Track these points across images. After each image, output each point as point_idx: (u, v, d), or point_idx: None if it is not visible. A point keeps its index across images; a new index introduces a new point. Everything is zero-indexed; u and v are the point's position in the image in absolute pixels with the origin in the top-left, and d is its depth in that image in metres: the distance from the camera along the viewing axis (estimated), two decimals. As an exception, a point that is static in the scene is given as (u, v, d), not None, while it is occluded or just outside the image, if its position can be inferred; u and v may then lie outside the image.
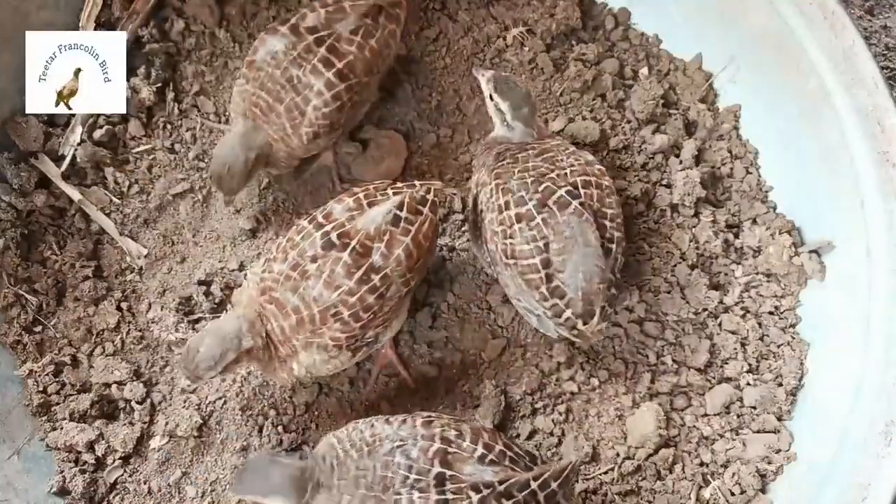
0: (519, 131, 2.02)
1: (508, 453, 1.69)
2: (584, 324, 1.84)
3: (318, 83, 1.97)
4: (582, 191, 1.88)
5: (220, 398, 2.10)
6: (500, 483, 1.61)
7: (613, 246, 1.88)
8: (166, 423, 2.08)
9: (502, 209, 1.88)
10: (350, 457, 1.69)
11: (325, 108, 1.99)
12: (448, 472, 1.62)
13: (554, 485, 1.64)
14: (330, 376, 2.04)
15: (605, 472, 2.03)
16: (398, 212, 1.83)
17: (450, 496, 1.60)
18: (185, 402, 2.10)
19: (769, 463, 2.03)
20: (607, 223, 1.88)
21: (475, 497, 1.60)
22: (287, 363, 1.86)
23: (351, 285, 1.77)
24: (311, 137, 2.02)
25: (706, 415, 2.08)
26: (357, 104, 2.09)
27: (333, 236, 1.80)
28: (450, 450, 1.64)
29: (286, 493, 1.67)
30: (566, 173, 1.90)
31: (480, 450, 1.66)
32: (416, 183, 1.93)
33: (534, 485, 1.62)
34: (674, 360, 2.12)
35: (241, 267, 2.21)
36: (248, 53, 2.06)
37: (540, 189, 1.86)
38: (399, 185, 1.92)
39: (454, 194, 2.18)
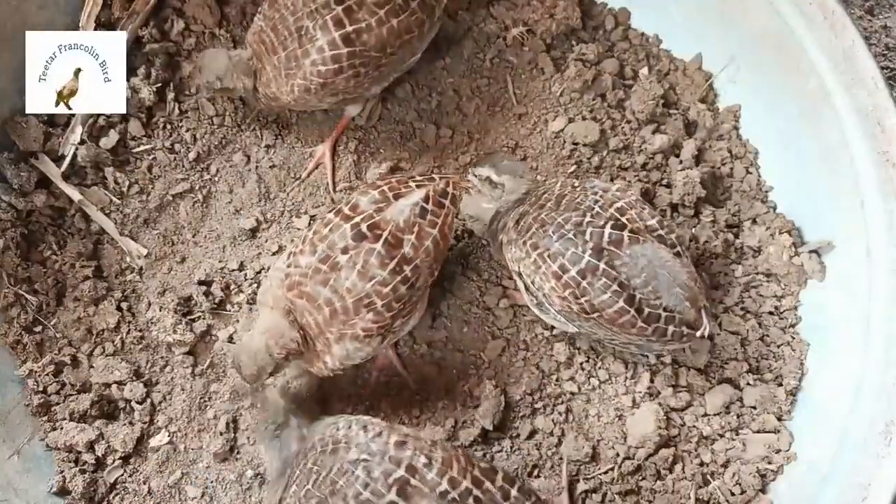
0: (510, 185, 2.01)
1: (475, 491, 1.64)
2: (691, 327, 1.84)
3: (322, 39, 1.97)
4: (624, 219, 1.85)
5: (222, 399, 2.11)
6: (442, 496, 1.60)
7: (679, 247, 1.88)
8: (167, 424, 2.08)
9: (560, 275, 1.84)
10: (315, 449, 1.70)
11: (321, 66, 1.99)
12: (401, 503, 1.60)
13: None
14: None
15: (605, 472, 2.03)
16: (424, 204, 1.85)
17: None
18: (184, 401, 2.10)
19: (769, 463, 2.03)
20: (662, 232, 1.87)
21: None
22: (321, 356, 1.87)
23: (385, 275, 1.78)
24: (302, 91, 2.03)
25: (706, 415, 2.08)
26: (361, 76, 2.05)
27: (364, 227, 1.81)
28: (412, 482, 1.62)
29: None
30: (597, 210, 1.86)
31: (444, 485, 1.63)
32: (435, 176, 1.95)
33: None
34: (674, 361, 2.12)
35: (241, 267, 2.21)
36: None
37: (587, 237, 1.83)
38: (419, 178, 1.94)
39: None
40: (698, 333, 1.84)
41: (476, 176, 2.07)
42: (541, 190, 1.97)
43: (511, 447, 2.05)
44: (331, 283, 1.78)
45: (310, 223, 2.19)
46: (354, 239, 1.80)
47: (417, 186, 1.89)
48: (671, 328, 1.83)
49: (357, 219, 1.82)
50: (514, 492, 1.67)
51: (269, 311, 1.85)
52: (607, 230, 1.82)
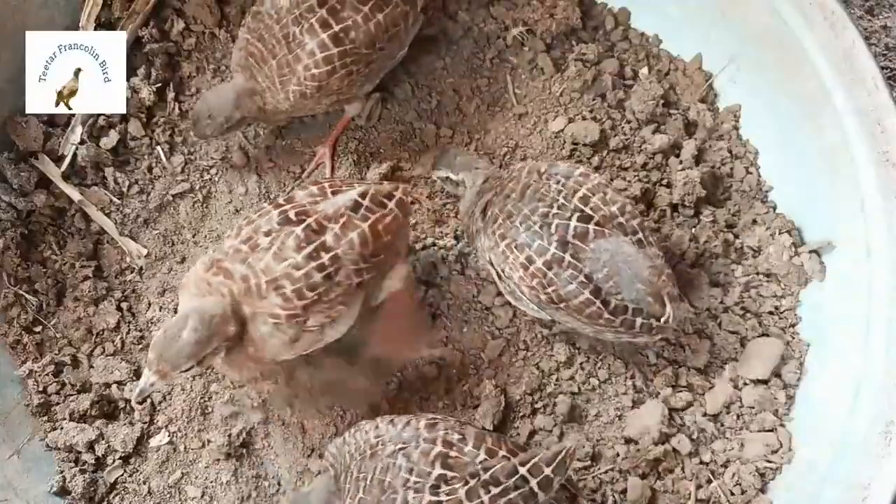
0: (468, 179, 2.02)
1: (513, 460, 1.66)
2: (658, 319, 1.85)
3: (311, 43, 1.97)
4: (588, 209, 1.85)
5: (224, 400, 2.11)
6: (485, 470, 1.60)
7: (640, 234, 1.87)
8: (167, 424, 2.08)
9: (527, 266, 1.85)
10: (354, 459, 1.69)
11: (314, 70, 1.98)
12: (449, 474, 1.61)
13: (547, 470, 1.61)
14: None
15: (605, 472, 2.03)
16: (359, 199, 1.81)
17: (443, 497, 1.59)
18: (184, 401, 2.10)
19: (769, 463, 2.03)
20: (623, 220, 1.87)
21: (462, 490, 1.59)
22: (245, 347, 1.78)
23: (298, 259, 1.73)
24: (298, 96, 2.02)
25: (706, 415, 2.09)
26: (354, 74, 2.05)
27: (291, 213, 1.77)
28: (451, 454, 1.63)
29: None
30: (562, 201, 1.86)
31: (482, 455, 1.64)
32: (385, 182, 1.94)
33: (522, 470, 1.60)
34: (674, 360, 2.12)
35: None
36: (256, 4, 2.06)
37: (553, 229, 1.83)
38: (369, 181, 1.93)
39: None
40: (662, 320, 1.85)
41: (437, 179, 2.09)
42: (505, 177, 1.97)
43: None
44: (248, 261, 1.74)
45: None
46: (279, 224, 1.76)
47: (359, 185, 1.87)
48: (639, 321, 1.85)
49: (287, 206, 1.79)
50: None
51: (188, 293, 1.78)
52: (573, 223, 1.83)
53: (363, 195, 1.82)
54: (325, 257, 1.74)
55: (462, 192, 2.06)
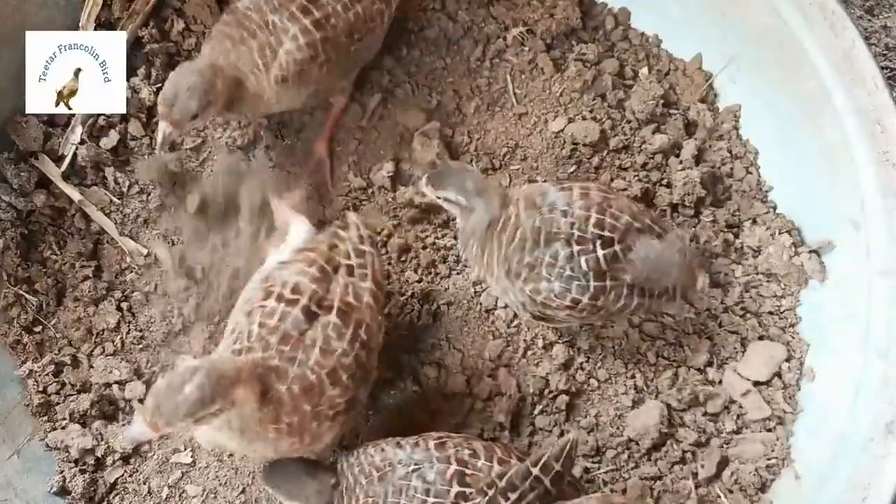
0: (480, 207, 1.87)
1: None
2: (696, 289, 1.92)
3: (293, 28, 1.96)
4: (607, 232, 1.81)
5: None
6: (500, 477, 1.60)
7: (656, 227, 1.87)
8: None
9: (574, 306, 1.81)
10: (359, 483, 1.67)
11: (297, 54, 1.96)
12: (467, 491, 1.60)
13: (556, 466, 1.61)
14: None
15: (606, 472, 2.03)
16: (346, 261, 1.79)
17: None
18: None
19: (769, 463, 2.03)
20: (638, 225, 1.84)
21: (483, 502, 1.59)
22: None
23: (345, 346, 1.71)
24: (280, 80, 1.99)
25: (706, 414, 2.09)
26: (332, 63, 2.03)
27: (313, 307, 1.72)
28: (467, 472, 1.63)
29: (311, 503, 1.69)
30: (578, 234, 1.79)
31: (496, 467, 1.64)
32: (342, 233, 1.86)
33: (535, 471, 1.60)
34: (674, 360, 2.12)
35: (241, 267, 2.21)
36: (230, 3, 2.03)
37: (584, 266, 1.78)
38: (337, 237, 1.85)
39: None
40: (698, 287, 1.91)
41: (438, 199, 1.92)
42: (506, 221, 1.86)
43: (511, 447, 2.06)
44: (296, 364, 1.67)
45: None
46: (309, 321, 1.70)
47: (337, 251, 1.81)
48: (677, 294, 1.90)
49: (304, 300, 1.71)
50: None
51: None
52: (600, 253, 1.80)
53: (346, 256, 1.79)
54: (363, 333, 1.75)
55: (466, 217, 1.91)
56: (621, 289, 1.82)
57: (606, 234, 1.81)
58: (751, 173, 2.28)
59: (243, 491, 2.05)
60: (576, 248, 1.80)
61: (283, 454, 1.75)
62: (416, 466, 1.64)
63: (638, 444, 2.03)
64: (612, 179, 2.22)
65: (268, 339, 1.66)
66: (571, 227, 1.81)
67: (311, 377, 1.66)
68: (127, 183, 2.25)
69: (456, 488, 1.61)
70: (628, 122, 2.28)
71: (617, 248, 1.81)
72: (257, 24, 1.97)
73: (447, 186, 1.90)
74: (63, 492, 2.03)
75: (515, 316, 2.14)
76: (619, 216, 1.84)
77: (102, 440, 2.06)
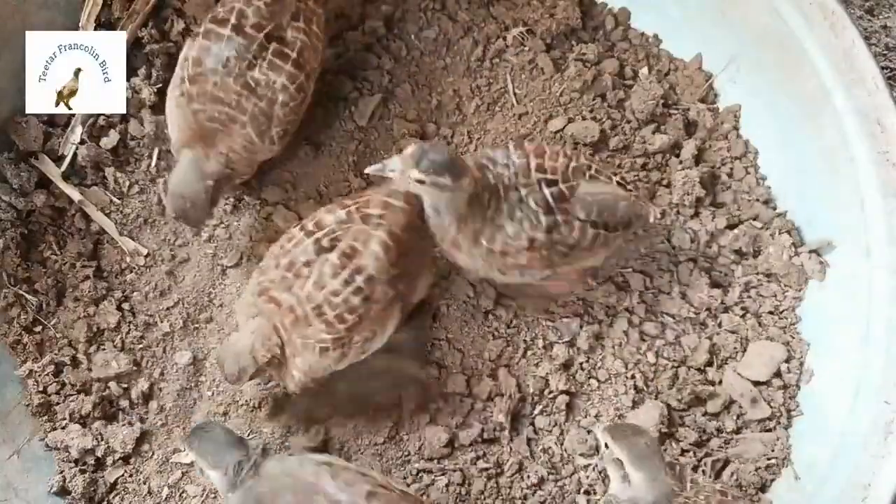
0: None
1: None
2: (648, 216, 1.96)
3: (279, 79, 1.91)
4: (549, 174, 1.86)
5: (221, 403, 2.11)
6: None
7: (594, 166, 1.94)
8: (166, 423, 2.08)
9: (531, 244, 1.86)
10: (281, 496, 1.68)
11: (291, 103, 1.95)
12: None
13: None
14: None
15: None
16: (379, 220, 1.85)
17: None
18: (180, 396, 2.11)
19: (769, 463, 2.03)
20: (576, 164, 1.90)
21: None
22: (289, 368, 1.87)
23: (336, 285, 1.79)
24: (281, 135, 1.98)
25: (706, 414, 2.09)
26: (307, 96, 2.02)
27: (325, 241, 1.82)
28: None
29: (228, 473, 1.70)
30: (523, 180, 1.86)
31: None
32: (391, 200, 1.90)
33: None
34: (674, 360, 2.12)
35: (241, 267, 2.21)
36: (187, 67, 1.92)
37: (533, 205, 1.84)
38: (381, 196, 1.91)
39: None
40: (651, 220, 1.96)
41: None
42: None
43: (511, 447, 2.05)
44: (293, 288, 1.80)
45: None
46: (316, 253, 1.81)
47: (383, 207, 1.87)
48: (635, 226, 1.98)
49: (319, 234, 1.83)
50: None
51: (250, 319, 1.86)
52: (546, 191, 1.86)
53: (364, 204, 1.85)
54: (360, 280, 1.80)
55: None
56: (573, 221, 1.87)
57: (549, 176, 1.87)
58: (750, 173, 2.28)
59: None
60: (523, 191, 1.86)
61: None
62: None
63: (638, 444, 2.03)
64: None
65: (279, 260, 1.83)
66: (516, 176, 1.87)
67: (298, 310, 1.79)
68: (127, 183, 2.25)
69: None
70: (628, 122, 2.28)
71: (562, 186, 1.87)
72: (236, 93, 1.89)
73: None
74: (63, 492, 2.02)
75: (515, 316, 2.14)
76: (556, 157, 1.90)
77: (102, 440, 2.06)
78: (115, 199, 2.24)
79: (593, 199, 1.88)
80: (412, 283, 1.93)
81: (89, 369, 2.11)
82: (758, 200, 2.25)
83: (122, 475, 2.06)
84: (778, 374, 2.11)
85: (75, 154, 2.22)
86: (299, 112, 2.01)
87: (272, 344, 1.82)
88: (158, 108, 2.27)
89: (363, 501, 1.65)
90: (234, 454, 1.70)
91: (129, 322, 2.17)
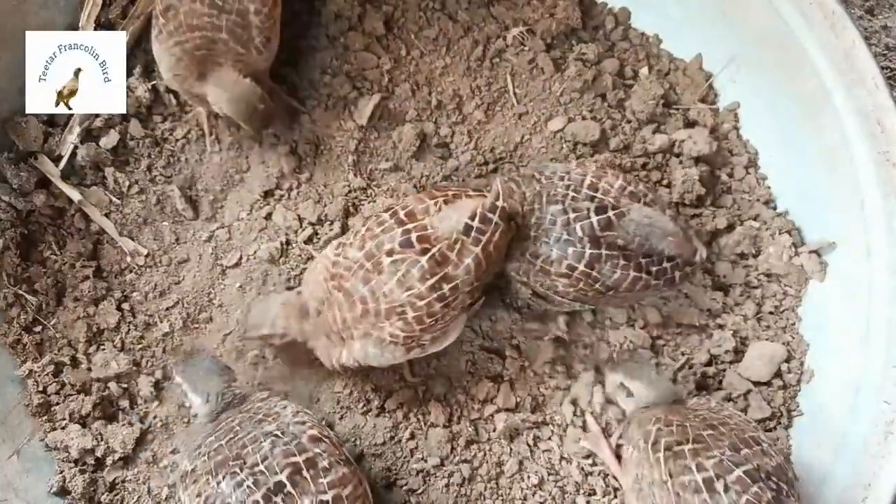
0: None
1: None
2: (692, 262, 1.92)
3: (252, 4, 1.97)
4: (600, 195, 1.87)
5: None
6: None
7: (650, 195, 1.93)
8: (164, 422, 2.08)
9: (570, 273, 1.86)
10: (246, 412, 1.74)
11: (264, 9, 1.99)
12: (287, 489, 1.60)
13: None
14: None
15: (607, 474, 2.03)
16: (470, 222, 1.81)
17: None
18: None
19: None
20: (632, 189, 1.91)
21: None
22: (337, 348, 1.89)
23: (422, 290, 1.78)
24: (265, 42, 2.02)
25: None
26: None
27: (413, 237, 1.80)
28: (303, 473, 1.63)
29: (210, 401, 1.79)
30: (573, 194, 1.88)
31: (328, 497, 1.61)
32: (486, 193, 1.91)
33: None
34: (674, 361, 2.12)
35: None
36: (157, 5, 1.99)
37: (580, 232, 1.84)
38: (473, 192, 1.92)
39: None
40: (696, 260, 1.91)
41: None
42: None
43: (511, 448, 2.05)
44: (371, 282, 1.80)
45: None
46: (402, 246, 1.80)
47: (467, 198, 1.88)
48: (677, 274, 1.89)
49: (409, 226, 1.82)
50: None
51: (303, 293, 1.92)
52: (594, 219, 1.84)
53: (472, 217, 1.82)
54: (446, 288, 1.80)
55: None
56: (617, 261, 1.84)
57: (600, 196, 1.86)
58: (750, 173, 2.28)
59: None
60: (571, 214, 1.85)
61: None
62: (278, 436, 1.68)
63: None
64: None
65: (365, 242, 1.83)
66: (567, 188, 1.88)
67: (371, 304, 1.80)
68: (126, 183, 2.25)
69: (281, 477, 1.61)
70: (628, 121, 2.28)
71: (611, 213, 1.85)
72: (207, 14, 1.94)
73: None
74: (63, 492, 2.02)
75: (515, 321, 2.14)
76: (613, 182, 1.90)
77: (102, 440, 2.06)
78: (114, 199, 2.24)
79: (637, 227, 1.86)
80: (482, 291, 1.94)
81: (89, 369, 2.12)
82: (758, 200, 2.25)
83: (122, 475, 2.06)
84: (778, 375, 2.11)
85: (75, 154, 2.22)
86: (275, 15, 2.03)
87: (294, 326, 1.88)
88: (157, 106, 2.28)
89: (307, 439, 1.69)
90: (218, 382, 1.77)
91: (129, 322, 2.17)
